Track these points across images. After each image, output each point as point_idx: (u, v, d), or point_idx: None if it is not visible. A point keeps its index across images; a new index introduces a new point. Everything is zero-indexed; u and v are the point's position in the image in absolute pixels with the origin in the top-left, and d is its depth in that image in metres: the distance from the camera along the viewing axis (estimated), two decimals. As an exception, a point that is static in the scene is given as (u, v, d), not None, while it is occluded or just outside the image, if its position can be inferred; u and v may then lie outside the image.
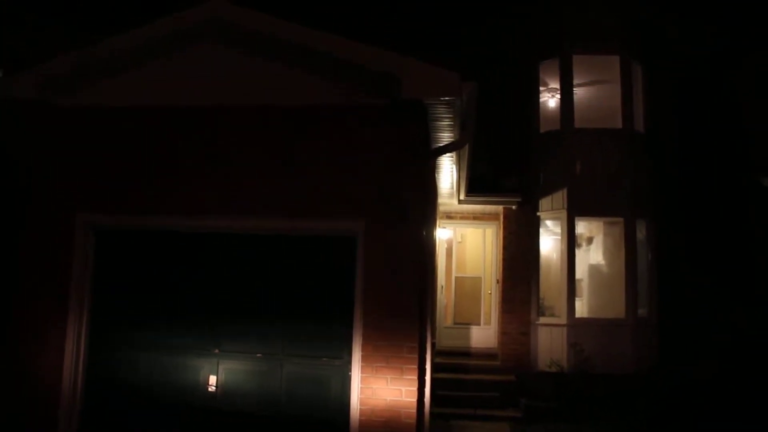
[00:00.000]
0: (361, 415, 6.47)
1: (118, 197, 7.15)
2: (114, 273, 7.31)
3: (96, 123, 7.30)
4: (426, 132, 7.05)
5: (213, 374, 6.95)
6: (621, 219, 12.36)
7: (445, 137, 7.47)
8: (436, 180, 10.17)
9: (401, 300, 6.55)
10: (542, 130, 13.08)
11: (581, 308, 12.78)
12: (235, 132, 7.08)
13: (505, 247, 13.03)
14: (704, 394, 10.60)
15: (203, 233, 7.17)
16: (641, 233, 12.50)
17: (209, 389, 6.92)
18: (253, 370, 6.92)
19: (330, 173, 6.84)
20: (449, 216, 13.56)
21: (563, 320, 12.09)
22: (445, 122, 7.07)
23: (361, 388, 6.49)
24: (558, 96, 13.04)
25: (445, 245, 14.09)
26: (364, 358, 6.51)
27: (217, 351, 6.98)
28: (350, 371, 6.60)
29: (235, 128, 7.09)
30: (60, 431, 6.94)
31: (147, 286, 7.24)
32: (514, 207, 12.95)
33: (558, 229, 12.78)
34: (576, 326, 11.98)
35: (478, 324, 13.74)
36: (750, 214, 11.98)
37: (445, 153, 7.76)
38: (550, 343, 12.19)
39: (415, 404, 6.42)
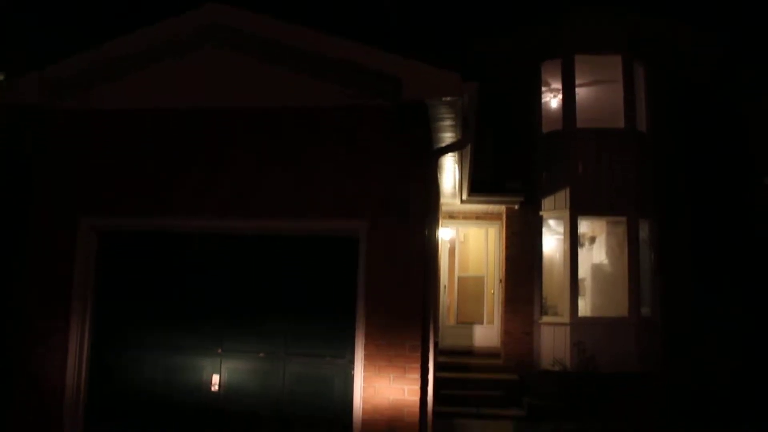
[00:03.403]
0: (363, 413, 6.50)
1: (120, 199, 7.19)
2: (117, 274, 7.35)
3: (99, 126, 7.34)
4: (428, 132, 7.08)
5: (216, 374, 6.99)
6: (624, 218, 12.38)
7: (448, 137, 7.49)
8: (439, 180, 10.20)
9: (404, 299, 6.58)
10: (545, 130, 13.11)
11: (584, 307, 12.79)
12: (237, 134, 7.12)
13: (507, 247, 13.04)
14: (709, 393, 10.61)
15: (206, 234, 7.20)
16: (644, 232, 12.51)
17: (212, 389, 6.96)
18: (255, 369, 6.96)
19: (332, 174, 6.88)
20: (452, 216, 13.59)
21: (566, 319, 12.10)
22: (448, 122, 7.10)
23: (363, 387, 6.53)
24: (560, 96, 13.06)
25: (448, 245, 14.12)
26: (367, 357, 6.55)
27: (220, 351, 7.02)
28: (353, 370, 6.63)
29: (238, 130, 7.13)
30: (66, 431, 7.00)
31: (150, 287, 7.28)
32: (516, 207, 12.96)
33: (561, 229, 12.80)
34: (579, 325, 12.00)
35: (481, 323, 13.76)
36: (753, 214, 11.98)
37: (447, 153, 7.79)
38: (553, 342, 12.21)
39: (417, 403, 6.44)
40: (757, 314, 11.50)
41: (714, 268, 12.02)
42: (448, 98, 6.46)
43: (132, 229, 7.34)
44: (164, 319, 7.18)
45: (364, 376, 6.55)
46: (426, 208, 6.85)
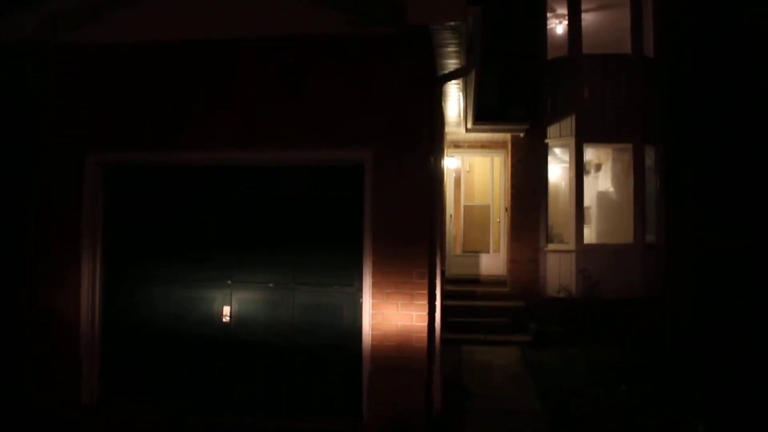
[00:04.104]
0: (372, 340, 6.62)
1: (126, 134, 7.16)
2: (126, 210, 7.40)
3: (101, 61, 7.26)
4: (432, 59, 6.99)
5: (227, 305, 7.10)
6: (630, 145, 12.31)
7: (452, 64, 7.40)
8: (443, 109, 10.11)
9: (410, 227, 6.61)
10: (550, 56, 12.91)
11: (590, 235, 12.86)
12: (243, 64, 7.02)
13: (513, 176, 13.03)
14: (712, 322, 10.72)
15: (213, 166, 7.20)
16: (650, 159, 12.47)
17: (223, 320, 7.08)
18: (265, 300, 7.06)
19: (337, 103, 6.83)
20: (457, 145, 13.54)
21: (572, 247, 12.18)
22: (452, 48, 6.99)
23: (372, 314, 6.63)
24: (566, 22, 12.82)
25: (454, 174, 14.11)
26: (375, 285, 6.63)
27: (229, 282, 7.11)
28: (361, 298, 6.72)
29: (242, 62, 7.03)
30: (84, 367, 7.16)
31: (158, 222, 7.33)
32: (521, 135, 12.90)
33: (566, 157, 12.76)
34: (584, 252, 12.09)
35: (488, 252, 13.86)
36: (761, 139, 11.88)
37: (451, 80, 7.70)
38: (558, 270, 12.32)
39: (425, 328, 6.55)
40: (762, 241, 11.52)
41: (722, 195, 11.98)
42: (452, 23, 6.35)
43: (139, 165, 7.33)
44: (174, 253, 7.26)
45: (372, 304, 6.64)
46: (431, 135, 6.82)
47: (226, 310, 7.10)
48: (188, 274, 7.21)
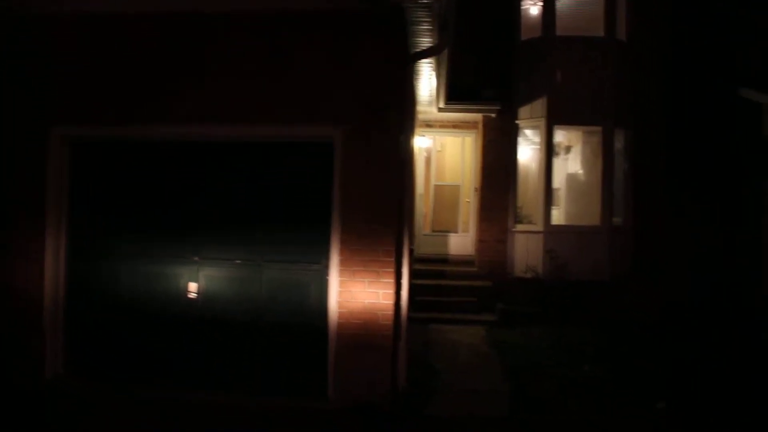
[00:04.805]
0: (339, 317, 6.63)
1: (92, 108, 7.04)
2: (92, 185, 7.31)
3: (67, 32, 7.11)
4: (405, 37, 6.93)
5: (194, 281, 7.05)
6: (600, 128, 12.38)
7: (425, 42, 7.36)
8: (416, 88, 10.08)
9: (379, 205, 6.61)
10: (524, 38, 12.89)
11: (558, 216, 12.95)
12: (211, 38, 6.93)
13: (484, 156, 13.05)
14: (677, 305, 10.89)
15: (180, 142, 7.12)
16: (620, 143, 12.56)
17: (190, 296, 7.03)
18: (233, 276, 7.02)
19: (308, 79, 6.77)
20: (429, 124, 13.51)
21: (540, 227, 12.26)
22: (425, 26, 6.95)
23: (339, 291, 6.63)
24: (540, 3, 12.79)
25: (425, 154, 14.11)
26: (342, 263, 6.62)
27: (197, 258, 7.05)
28: (328, 275, 6.72)
29: (212, 34, 6.93)
30: (47, 340, 7.09)
31: (125, 197, 7.25)
32: (493, 115, 12.91)
33: (537, 138, 12.80)
34: (552, 233, 12.18)
35: (457, 232, 13.91)
36: (730, 126, 12.02)
37: (424, 58, 7.66)
38: (526, 250, 12.41)
39: (392, 306, 6.57)
40: (726, 226, 11.71)
41: (689, 180, 12.12)
42: (425, 0, 6.31)
43: (105, 138, 7.23)
44: (141, 229, 7.20)
45: (339, 281, 6.64)
46: (403, 114, 6.80)
47: (193, 286, 7.05)
48: (155, 250, 7.14)
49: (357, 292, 6.61)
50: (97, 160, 7.30)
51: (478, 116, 13.15)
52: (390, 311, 6.59)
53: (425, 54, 7.45)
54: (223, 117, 6.86)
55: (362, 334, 6.59)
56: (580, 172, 13.48)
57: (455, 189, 14.26)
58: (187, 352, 7.02)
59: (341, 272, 6.63)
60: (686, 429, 6.54)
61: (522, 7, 13.04)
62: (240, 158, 7.05)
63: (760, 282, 11.02)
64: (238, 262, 7.00)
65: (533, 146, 13.23)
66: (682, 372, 8.41)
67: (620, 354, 9.22)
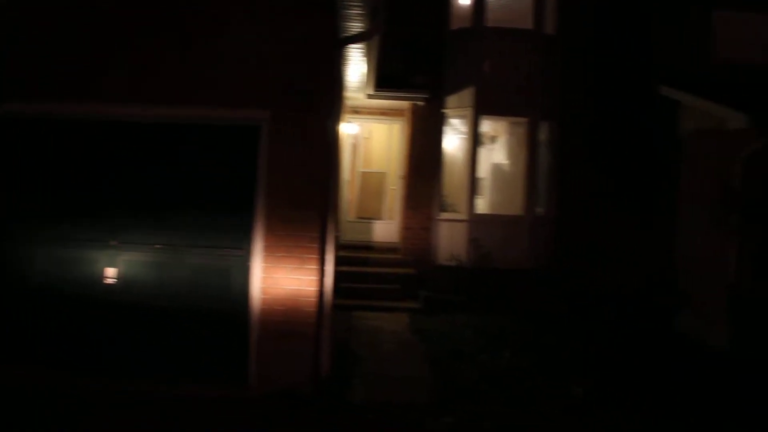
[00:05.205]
0: (262, 304, 6.54)
1: (9, 84, 6.69)
2: (6, 166, 6.93)
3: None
4: (336, 21, 6.85)
5: (111, 266, 6.80)
6: (526, 119, 12.57)
7: (356, 27, 7.29)
8: (345, 73, 9.99)
9: (304, 190, 6.54)
10: (454, 27, 12.94)
11: (483, 205, 13.12)
12: (132, 14, 6.68)
13: (411, 144, 13.07)
14: (599, 294, 11.17)
15: (100, 122, 6.84)
16: (545, 134, 12.78)
17: (107, 282, 6.78)
18: (153, 261, 6.81)
19: (235, 62, 6.64)
20: (357, 111, 13.45)
21: (464, 216, 12.38)
22: (356, 11, 6.89)
23: (262, 277, 6.53)
24: (471, -8, 12.88)
25: (352, 140, 14.04)
26: (266, 248, 6.53)
27: (115, 243, 6.80)
28: (251, 261, 6.60)
29: (133, 10, 6.68)
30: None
31: (40, 179, 6.92)
32: (422, 104, 12.92)
33: (464, 128, 12.90)
34: (476, 222, 12.31)
35: (382, 219, 13.93)
36: (650, 122, 12.35)
37: (354, 43, 7.59)
38: (450, 239, 12.51)
39: (316, 293, 6.52)
40: (645, 219, 12.04)
41: (610, 172, 12.41)
42: (357, -16, 6.25)
43: (16, 116, 6.86)
44: (56, 212, 6.89)
45: (263, 267, 6.55)
46: (331, 99, 6.72)
47: (111, 271, 6.80)
48: (71, 234, 6.85)
49: (281, 278, 6.52)
50: (13, 139, 6.93)
51: (406, 104, 13.16)
52: (314, 298, 6.54)
53: (355, 39, 7.39)
54: (144, 97, 6.64)
55: (285, 321, 6.52)
56: (506, 162, 13.68)
57: (382, 176, 14.26)
58: (103, 340, 6.77)
59: (265, 258, 6.53)
60: (602, 412, 6.72)
61: (453, -4, 13.09)
62: (163, 140, 6.83)
63: (674, 273, 11.43)
64: (159, 246, 6.79)
65: (460, 135, 13.32)
66: (600, 359, 8.65)
67: (541, 342, 9.41)
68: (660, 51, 12.35)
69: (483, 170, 13.32)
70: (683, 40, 12.28)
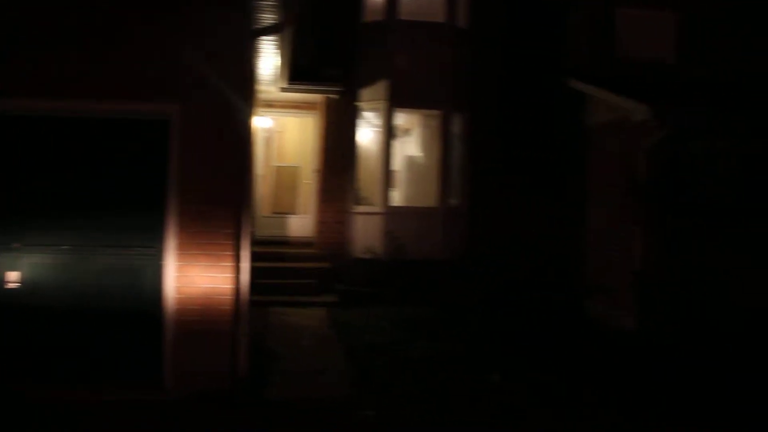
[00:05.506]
0: (177, 303, 6.38)
1: None
2: None
3: None
4: (248, 12, 6.71)
5: (14, 270, 6.46)
6: (439, 112, 12.70)
7: (268, 19, 7.19)
8: (258, 66, 9.83)
9: (218, 186, 6.42)
10: (367, 19, 12.93)
11: (397, 198, 13.19)
12: (38, 7, 6.35)
13: (325, 137, 13.00)
14: (509, 281, 11.41)
15: (7, 116, 6.46)
16: (458, 127, 12.93)
17: (8, 286, 6.43)
18: (60, 263, 6.48)
19: (145, 53, 6.41)
20: (270, 105, 13.25)
21: (379, 209, 12.42)
22: (268, 2, 6.80)
23: (176, 276, 6.37)
24: (383, -15, 12.89)
25: (266, 134, 13.87)
26: (180, 246, 6.36)
27: (18, 245, 6.46)
28: (164, 260, 6.42)
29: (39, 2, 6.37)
30: None
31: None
32: (335, 97, 12.85)
33: (378, 120, 12.93)
34: (391, 214, 12.37)
35: (297, 213, 13.83)
36: (560, 114, 12.65)
37: (267, 35, 7.49)
38: (366, 231, 12.53)
39: (232, 290, 6.43)
40: (556, 209, 12.35)
41: (521, 165, 12.64)
42: (269, -24, 6.15)
43: None
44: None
45: (176, 266, 6.38)
46: (244, 92, 6.59)
47: (13, 275, 6.45)
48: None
49: (195, 276, 6.38)
50: None
51: (320, 97, 13.06)
52: (230, 296, 6.43)
53: (268, 31, 7.30)
54: (46, 90, 6.32)
55: (201, 320, 6.38)
56: (420, 154, 13.79)
57: (296, 171, 14.15)
58: (7, 346, 6.43)
59: (179, 256, 6.36)
60: (520, 396, 6.93)
61: (365, -11, 13.07)
62: (67, 135, 6.53)
63: (583, 262, 11.81)
64: (66, 248, 6.49)
65: (374, 128, 13.35)
66: (515, 346, 8.86)
67: (457, 331, 9.56)
68: (569, 45, 12.69)
69: (397, 163, 13.39)
70: (590, 36, 12.66)
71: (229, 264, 6.45)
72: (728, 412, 6.65)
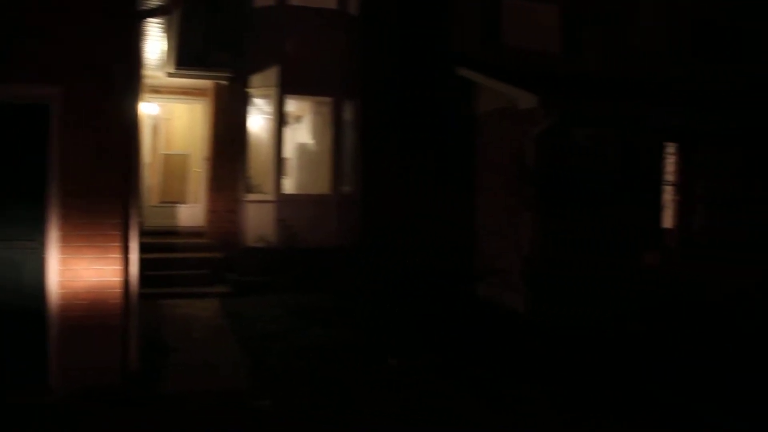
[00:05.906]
0: (62, 299, 6.07)
1: None
2: None
3: None
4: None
5: None
6: (330, 98, 12.64)
7: (155, 1, 6.93)
8: (144, 50, 9.47)
9: (103, 175, 6.15)
10: (258, 4, 12.69)
11: (289, 185, 13.09)
12: None
13: (214, 124, 12.71)
14: (403, 268, 11.58)
15: None
16: (350, 114, 12.92)
17: None
18: (-72, 258, 6.07)
19: (20, 30, 6.01)
20: (157, 90, 12.81)
21: (271, 197, 12.29)
22: (154, -16, 6.56)
23: (60, 270, 6.06)
24: (271, -30, 12.68)
25: (153, 121, 13.44)
26: (64, 239, 6.05)
27: None
28: (46, 253, 6.09)
29: None
30: None
31: None
32: (225, 83, 12.57)
33: (269, 107, 12.76)
34: (283, 202, 12.26)
35: (186, 202, 13.49)
36: (451, 102, 12.84)
37: (153, 17, 7.23)
38: (258, 220, 12.37)
39: (120, 283, 6.20)
40: (448, 197, 12.57)
41: (413, 151, 12.78)
42: (155, -44, 5.92)
43: None
44: None
45: (60, 259, 6.07)
46: (129, 76, 6.34)
47: None
48: None
49: (81, 270, 6.10)
50: None
51: (209, 83, 12.74)
52: (118, 289, 6.20)
53: (155, 13, 7.04)
54: None
55: (88, 315, 6.12)
56: (312, 141, 13.72)
57: (185, 158, 13.78)
58: None
59: (62, 249, 6.05)
60: (417, 379, 7.10)
61: (254, -27, 12.83)
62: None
63: (476, 247, 12.12)
64: (-66, 241, 6.07)
65: (265, 115, 13.17)
66: (410, 330, 9.02)
67: (352, 318, 9.62)
68: (458, 33, 12.90)
69: (289, 150, 13.27)
70: (479, 24, 12.93)
71: (116, 256, 6.21)
72: (590, 383, 7.13)
